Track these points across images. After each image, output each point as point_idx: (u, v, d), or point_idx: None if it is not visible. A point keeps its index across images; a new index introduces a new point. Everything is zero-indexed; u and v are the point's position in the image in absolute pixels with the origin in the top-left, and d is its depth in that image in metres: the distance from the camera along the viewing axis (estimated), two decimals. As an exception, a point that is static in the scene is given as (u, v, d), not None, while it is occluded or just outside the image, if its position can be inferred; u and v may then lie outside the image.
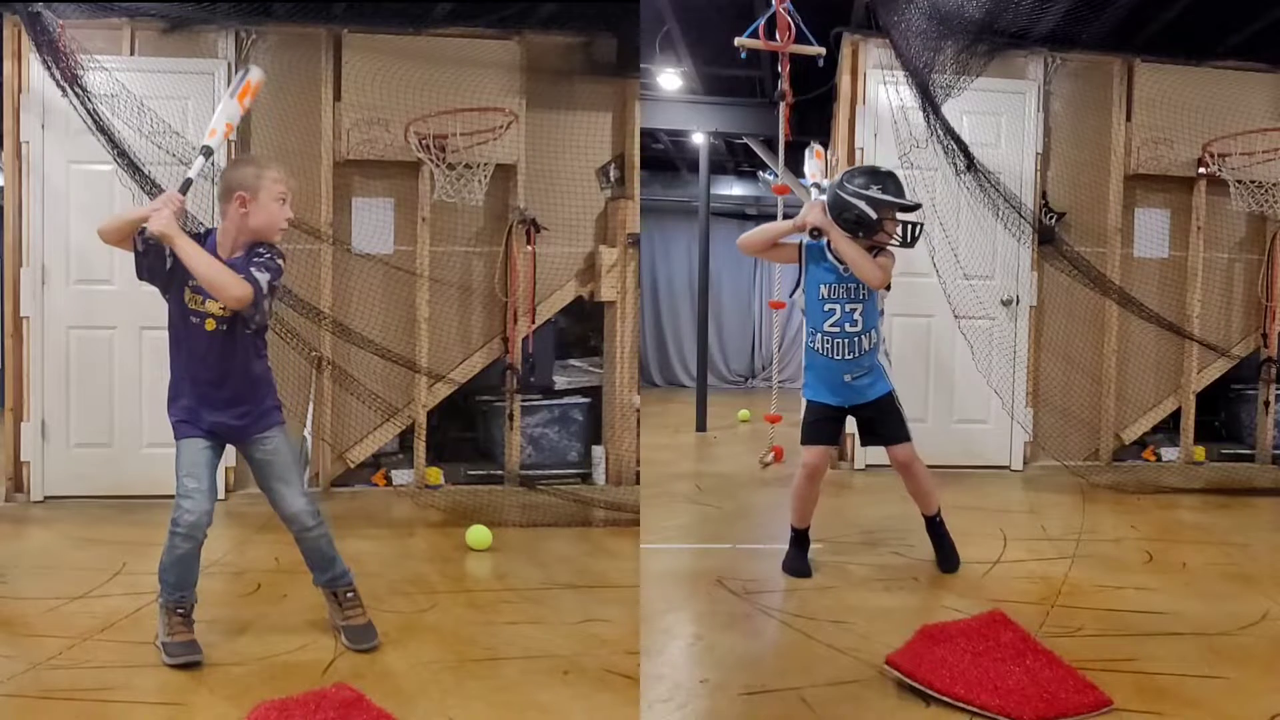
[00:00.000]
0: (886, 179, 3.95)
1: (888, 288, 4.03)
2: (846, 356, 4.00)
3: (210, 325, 3.18)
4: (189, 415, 3.27)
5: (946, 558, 4.09)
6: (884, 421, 4.07)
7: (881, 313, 4.11)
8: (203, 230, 3.31)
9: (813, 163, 4.34)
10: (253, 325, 3.19)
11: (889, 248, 3.97)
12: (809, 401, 4.15)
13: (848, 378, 4.02)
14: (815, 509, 4.11)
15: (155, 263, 3.14)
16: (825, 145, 8.50)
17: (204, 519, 3.16)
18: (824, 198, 4.07)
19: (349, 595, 3.36)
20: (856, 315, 3.97)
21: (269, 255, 3.15)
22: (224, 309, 3.13)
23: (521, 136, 5.79)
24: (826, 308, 4.00)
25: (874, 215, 3.88)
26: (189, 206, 5.09)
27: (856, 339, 3.98)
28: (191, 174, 3.22)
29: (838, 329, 3.98)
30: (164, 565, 3.17)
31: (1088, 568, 4.15)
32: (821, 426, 4.11)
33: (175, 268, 3.12)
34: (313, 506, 3.32)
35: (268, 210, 3.15)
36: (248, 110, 3.40)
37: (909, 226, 3.95)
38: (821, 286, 4.01)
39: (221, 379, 3.24)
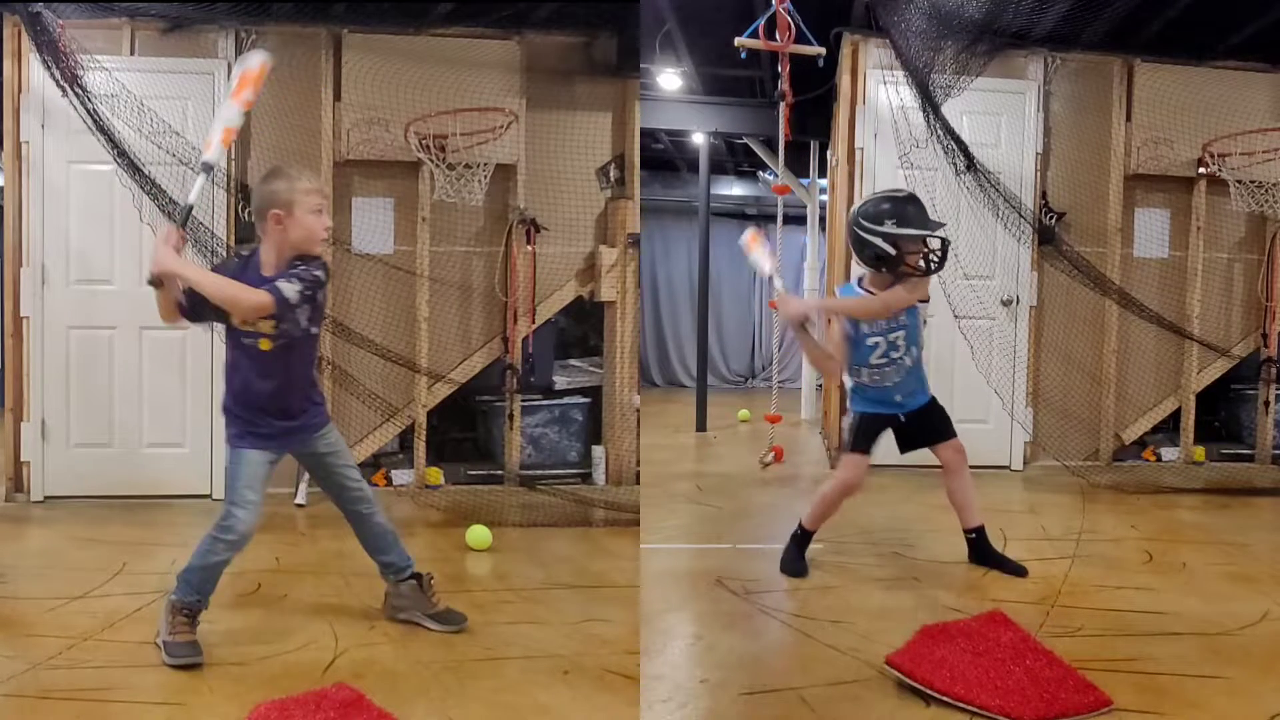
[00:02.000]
0: (905, 207, 3.85)
1: (926, 300, 4.02)
2: (897, 380, 4.01)
3: (265, 345, 3.19)
4: (251, 428, 3.27)
5: (1010, 568, 4.04)
6: (935, 420, 4.08)
7: (925, 321, 4.11)
8: (245, 252, 3.33)
9: (756, 253, 4.31)
10: (283, 337, 3.18)
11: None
12: (860, 414, 4.08)
13: (899, 397, 4.04)
14: None
15: (196, 300, 3.14)
16: (825, 145, 8.50)
17: (253, 531, 3.24)
18: (780, 288, 4.16)
19: (431, 580, 3.52)
20: (899, 340, 3.97)
21: (304, 267, 3.15)
22: (275, 327, 3.15)
23: (521, 136, 5.79)
24: (870, 341, 3.97)
25: (893, 251, 3.83)
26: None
27: (901, 361, 3.99)
28: (192, 198, 3.21)
29: (885, 359, 3.98)
30: (192, 566, 3.18)
31: (1088, 568, 4.15)
32: (870, 435, 4.07)
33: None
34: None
35: (304, 224, 3.14)
36: (251, 106, 3.34)
37: (929, 255, 3.86)
38: (862, 324, 3.97)
39: (283, 392, 3.27)
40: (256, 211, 3.18)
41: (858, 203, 4.09)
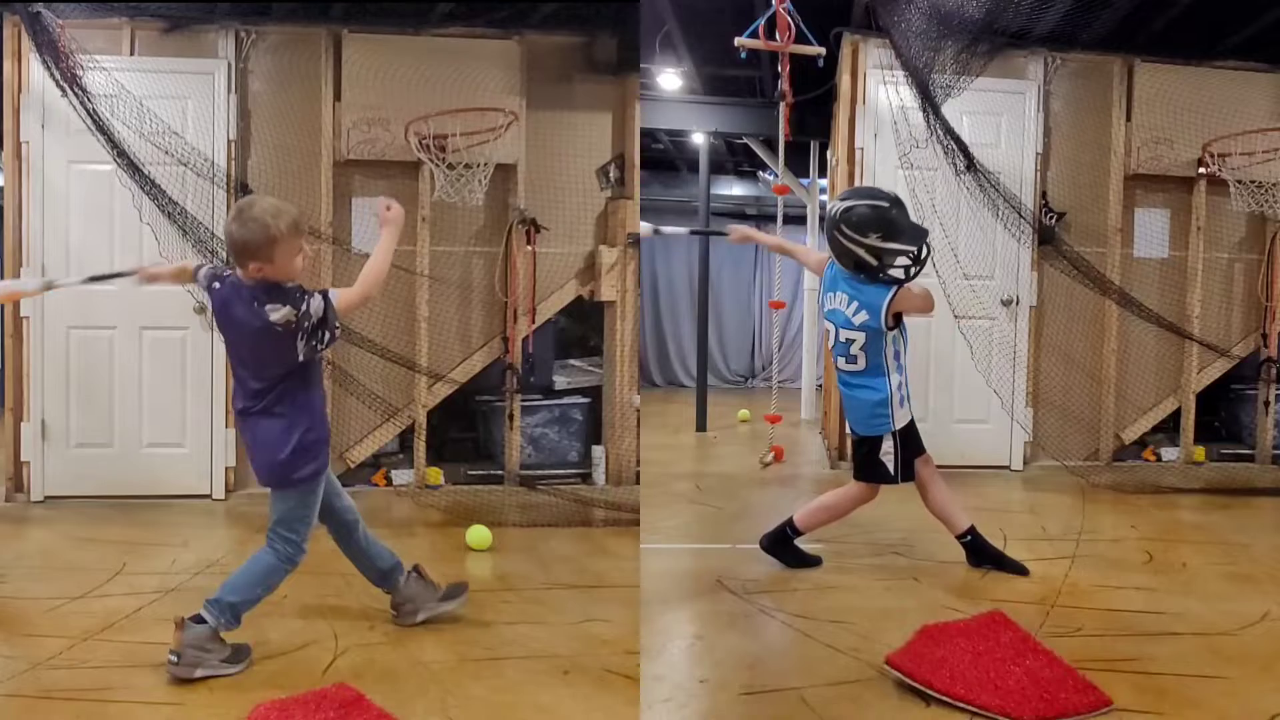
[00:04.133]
0: (891, 217, 3.78)
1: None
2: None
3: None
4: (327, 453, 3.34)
5: (1011, 566, 4.04)
6: (916, 431, 4.07)
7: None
8: (226, 273, 3.18)
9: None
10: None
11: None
12: (907, 424, 3.99)
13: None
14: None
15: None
16: (825, 145, 8.50)
17: None
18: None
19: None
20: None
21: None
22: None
23: (521, 136, 5.79)
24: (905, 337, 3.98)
25: (875, 262, 3.82)
26: (191, 208, 5.14)
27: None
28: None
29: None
30: (246, 600, 3.16)
31: (1088, 568, 4.15)
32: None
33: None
34: None
35: (284, 270, 3.05)
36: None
37: (910, 269, 3.86)
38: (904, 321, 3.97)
39: None
40: (234, 254, 3.03)
41: (838, 202, 3.96)
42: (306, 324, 3.03)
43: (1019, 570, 4.00)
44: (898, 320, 3.89)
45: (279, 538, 3.21)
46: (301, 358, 3.07)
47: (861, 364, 3.92)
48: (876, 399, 3.92)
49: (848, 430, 4.27)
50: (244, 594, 3.16)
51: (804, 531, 4.11)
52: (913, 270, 3.88)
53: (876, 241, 3.78)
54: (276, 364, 3.09)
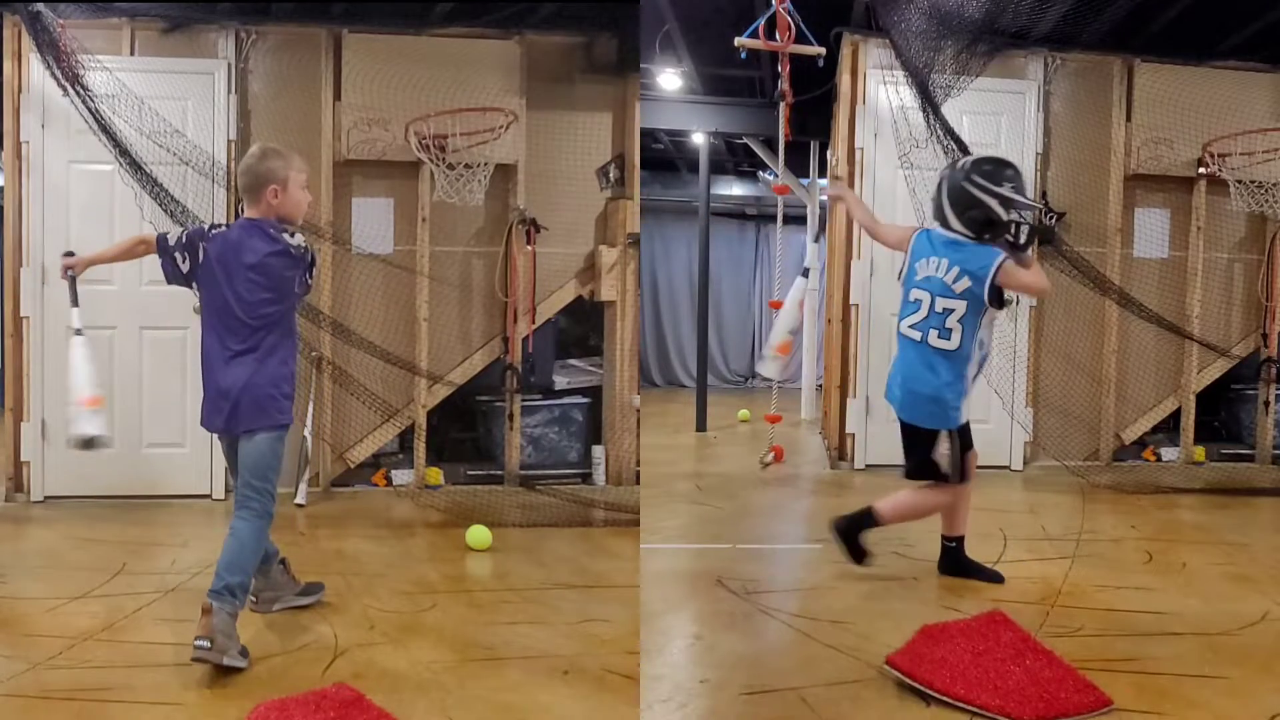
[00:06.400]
0: (1018, 175, 3.66)
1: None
2: None
3: None
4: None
5: (986, 575, 3.94)
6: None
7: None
8: (223, 225, 3.44)
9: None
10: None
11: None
12: (963, 427, 3.83)
13: None
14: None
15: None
16: (825, 145, 8.50)
17: None
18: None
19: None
20: None
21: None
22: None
23: (521, 136, 5.79)
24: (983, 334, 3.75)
25: (1005, 216, 3.61)
26: (192, 205, 5.13)
27: None
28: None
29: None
30: (248, 572, 3.20)
31: (1088, 568, 4.15)
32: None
33: None
34: None
35: (297, 199, 3.37)
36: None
37: (1021, 227, 3.65)
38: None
39: None
40: (251, 188, 3.33)
41: (963, 158, 3.81)
42: (310, 257, 3.36)
43: (995, 578, 3.92)
44: (999, 298, 3.65)
45: (253, 490, 3.27)
46: (297, 289, 3.35)
47: (955, 341, 3.66)
48: (959, 388, 3.71)
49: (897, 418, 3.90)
50: (247, 570, 3.20)
51: (883, 524, 3.90)
52: (1037, 226, 3.68)
53: (1010, 192, 3.61)
54: (276, 299, 3.30)
